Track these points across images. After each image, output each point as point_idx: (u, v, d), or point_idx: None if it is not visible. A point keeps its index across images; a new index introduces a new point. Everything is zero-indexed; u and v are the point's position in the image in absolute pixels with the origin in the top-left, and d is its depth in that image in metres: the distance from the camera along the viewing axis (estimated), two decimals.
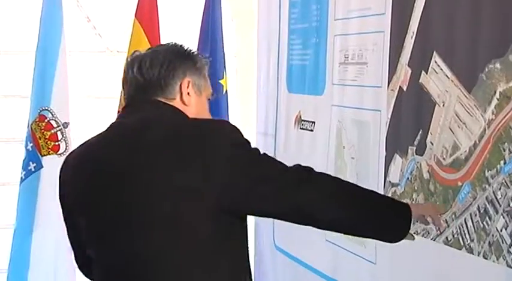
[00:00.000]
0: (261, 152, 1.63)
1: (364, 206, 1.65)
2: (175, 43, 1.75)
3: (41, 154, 3.25)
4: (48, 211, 3.22)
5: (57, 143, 3.27)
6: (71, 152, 1.77)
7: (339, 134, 2.52)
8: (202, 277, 1.59)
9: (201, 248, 1.59)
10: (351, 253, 2.38)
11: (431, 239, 2.01)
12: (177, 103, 1.68)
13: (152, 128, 1.62)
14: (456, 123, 1.95)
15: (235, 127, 1.64)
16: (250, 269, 1.70)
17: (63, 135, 3.27)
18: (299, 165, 1.65)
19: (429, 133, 2.04)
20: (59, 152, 3.26)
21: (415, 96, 2.11)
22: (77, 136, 3.49)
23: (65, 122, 3.27)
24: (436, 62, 2.03)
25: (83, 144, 1.74)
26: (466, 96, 1.91)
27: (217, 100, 3.20)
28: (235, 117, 3.40)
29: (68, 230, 1.76)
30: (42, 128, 3.26)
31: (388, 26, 2.25)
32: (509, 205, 1.75)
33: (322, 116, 2.65)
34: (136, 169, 1.59)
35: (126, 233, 1.60)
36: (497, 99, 1.80)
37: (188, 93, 1.69)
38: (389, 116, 2.23)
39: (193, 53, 1.74)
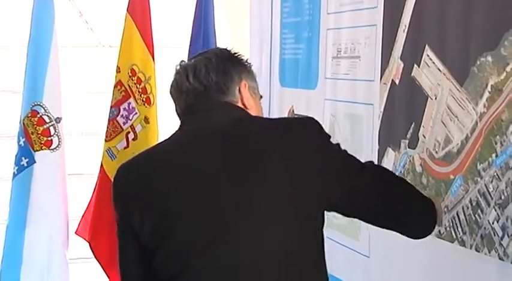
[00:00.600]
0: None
1: (413, 194, 1.75)
2: (219, 48, 1.76)
3: (33, 149, 3.24)
4: (41, 207, 3.22)
5: (49, 138, 3.26)
6: (123, 166, 1.66)
7: (332, 128, 2.52)
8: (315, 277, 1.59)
9: (311, 251, 1.58)
10: (345, 246, 2.39)
11: None
12: (241, 105, 1.67)
13: (249, 127, 1.60)
14: (448, 117, 1.95)
15: (319, 123, 1.66)
16: None
17: (55, 131, 3.26)
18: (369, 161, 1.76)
19: (421, 126, 2.04)
20: (52, 148, 3.26)
21: (408, 90, 2.11)
22: (70, 131, 3.49)
23: (58, 117, 3.26)
24: (428, 55, 2.03)
25: (137, 156, 1.66)
26: (458, 90, 1.91)
27: None
28: None
29: (128, 255, 1.67)
30: (35, 123, 3.24)
31: (380, 20, 2.25)
32: (500, 198, 1.75)
33: (315, 110, 2.65)
34: (244, 172, 1.54)
35: (238, 236, 1.53)
36: (489, 93, 1.80)
37: (247, 96, 1.68)
38: (382, 110, 2.23)
39: (240, 56, 1.74)
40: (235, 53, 1.73)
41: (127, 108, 3.29)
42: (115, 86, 3.30)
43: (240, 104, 1.66)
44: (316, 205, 1.57)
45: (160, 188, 1.57)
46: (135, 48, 3.26)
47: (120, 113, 3.29)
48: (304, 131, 1.61)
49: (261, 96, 1.76)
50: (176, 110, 1.70)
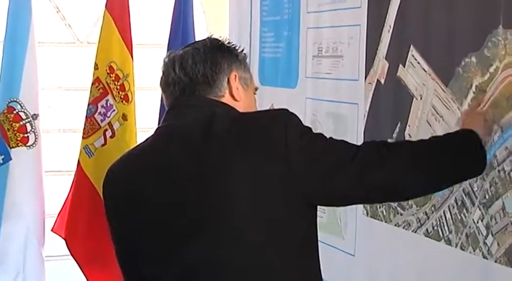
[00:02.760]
0: (327, 136, 1.55)
1: (443, 160, 1.56)
2: (210, 37, 1.66)
3: (9, 146, 3.20)
4: (17, 204, 3.18)
5: (26, 135, 3.22)
6: (115, 165, 1.61)
7: (314, 127, 2.51)
8: (295, 276, 1.51)
9: (293, 250, 1.51)
10: (330, 245, 2.39)
11: (412, 231, 2.04)
12: (227, 99, 1.59)
13: (213, 126, 1.50)
14: (433, 117, 1.97)
15: (295, 115, 1.56)
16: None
17: (32, 127, 3.22)
18: (373, 141, 1.59)
19: (407, 126, 2.06)
20: (28, 144, 3.22)
21: (393, 90, 2.13)
22: (47, 128, 3.45)
23: (34, 114, 3.23)
24: (413, 55, 2.05)
25: (128, 154, 1.62)
26: (443, 90, 1.94)
27: None
28: None
29: (120, 250, 1.61)
30: (11, 119, 3.20)
31: (364, 20, 2.26)
32: (485, 197, 1.78)
33: (296, 109, 2.60)
34: (210, 171, 1.48)
35: (210, 238, 1.47)
36: (474, 93, 1.83)
37: (237, 87, 1.60)
38: (367, 109, 2.25)
39: (232, 45, 1.65)
40: (227, 42, 1.65)
41: (105, 105, 3.27)
42: (93, 83, 3.27)
43: (227, 97, 1.59)
44: (294, 203, 1.49)
45: (134, 192, 1.55)
46: (113, 46, 3.23)
47: (98, 111, 3.26)
48: (276, 129, 1.50)
49: (256, 88, 1.69)
50: (165, 102, 1.65)
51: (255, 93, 1.68)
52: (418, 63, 2.03)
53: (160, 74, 1.65)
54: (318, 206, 1.58)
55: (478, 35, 1.80)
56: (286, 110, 1.57)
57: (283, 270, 1.50)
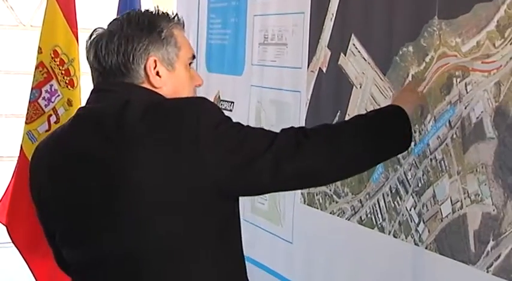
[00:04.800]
0: (244, 125, 1.50)
1: (365, 140, 1.52)
2: (131, 13, 1.54)
3: None
4: None
5: None
6: (41, 145, 1.59)
7: (258, 115, 2.53)
8: (209, 268, 1.47)
9: (206, 237, 1.47)
10: (268, 232, 2.40)
11: (346, 219, 2.06)
12: (147, 85, 1.52)
13: (126, 114, 1.45)
14: (372, 105, 1.98)
15: (214, 104, 1.52)
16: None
17: None
18: (292, 127, 1.52)
19: (347, 114, 2.07)
20: None
21: (334, 78, 2.14)
22: None
23: None
24: (354, 44, 2.06)
25: (52, 133, 1.59)
26: (381, 79, 1.95)
27: None
28: None
29: (45, 230, 1.60)
30: None
31: (308, 7, 2.26)
32: (418, 185, 1.80)
33: (241, 97, 2.65)
34: (118, 159, 1.44)
35: (120, 224, 1.45)
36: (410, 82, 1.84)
37: (158, 73, 1.51)
38: (309, 97, 2.25)
39: (154, 20, 1.52)
40: (150, 16, 1.52)
41: (49, 90, 3.21)
42: (36, 68, 3.21)
43: (147, 84, 1.51)
44: (205, 195, 1.44)
45: (53, 174, 1.53)
46: (58, 29, 3.18)
47: (42, 95, 3.21)
48: (190, 120, 1.44)
49: (194, 56, 1.57)
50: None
51: (191, 63, 1.57)
52: (359, 52, 2.04)
53: None
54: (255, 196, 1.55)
55: (414, 25, 1.82)
56: (203, 98, 1.51)
57: (193, 263, 1.47)
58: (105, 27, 1.54)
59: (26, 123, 3.23)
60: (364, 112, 2.00)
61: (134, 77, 1.51)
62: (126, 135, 1.45)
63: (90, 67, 1.56)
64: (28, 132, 3.22)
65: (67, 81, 3.22)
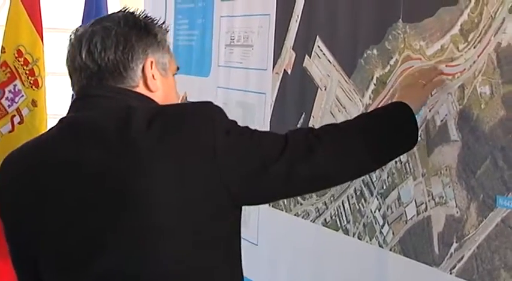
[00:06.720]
0: (252, 129, 1.42)
1: (375, 141, 1.49)
2: (125, 11, 1.43)
3: None
4: None
5: None
6: (13, 156, 1.42)
7: None
8: None
9: (217, 256, 1.38)
10: None
11: (311, 221, 2.06)
12: (141, 90, 1.40)
13: (130, 122, 1.33)
14: (337, 108, 1.99)
15: (220, 108, 1.40)
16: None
17: None
18: (301, 129, 1.48)
19: (311, 116, 2.07)
20: None
21: (299, 80, 2.14)
22: None
23: None
24: (319, 46, 2.06)
25: (28, 145, 1.42)
26: (346, 81, 1.96)
27: None
28: None
29: (15, 250, 1.43)
30: None
31: (273, 9, 2.26)
32: (382, 187, 1.81)
33: (208, 98, 2.58)
34: (127, 171, 1.31)
35: (123, 246, 1.32)
36: (374, 85, 1.85)
37: (153, 75, 1.41)
38: (274, 99, 2.25)
39: (150, 22, 1.43)
40: (144, 19, 1.43)
41: (13, 90, 3.17)
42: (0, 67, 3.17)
43: (141, 88, 1.40)
44: (220, 207, 1.36)
45: (34, 188, 1.38)
46: (21, 29, 3.14)
47: (5, 96, 3.17)
48: (199, 127, 1.35)
49: (178, 68, 1.50)
50: (72, 88, 1.44)
51: (174, 74, 1.48)
52: (324, 54, 2.04)
53: (66, 52, 1.44)
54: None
55: (379, 28, 1.82)
56: (211, 103, 1.41)
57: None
58: (87, 26, 1.42)
59: None
60: (329, 115, 2.01)
61: (130, 78, 1.39)
62: (133, 146, 1.32)
63: (75, 69, 1.41)
64: None
65: (31, 82, 3.18)
